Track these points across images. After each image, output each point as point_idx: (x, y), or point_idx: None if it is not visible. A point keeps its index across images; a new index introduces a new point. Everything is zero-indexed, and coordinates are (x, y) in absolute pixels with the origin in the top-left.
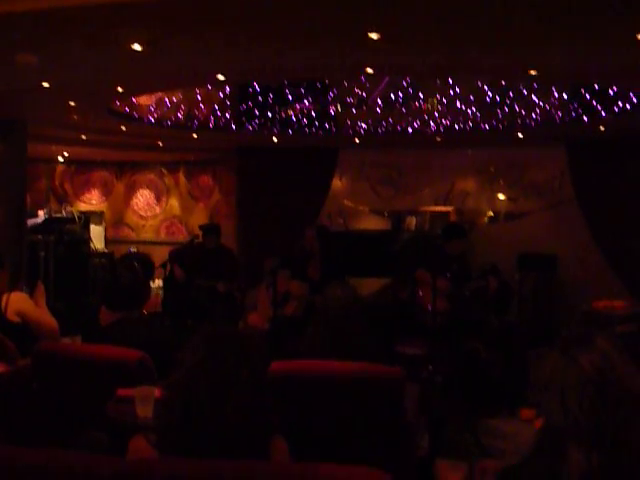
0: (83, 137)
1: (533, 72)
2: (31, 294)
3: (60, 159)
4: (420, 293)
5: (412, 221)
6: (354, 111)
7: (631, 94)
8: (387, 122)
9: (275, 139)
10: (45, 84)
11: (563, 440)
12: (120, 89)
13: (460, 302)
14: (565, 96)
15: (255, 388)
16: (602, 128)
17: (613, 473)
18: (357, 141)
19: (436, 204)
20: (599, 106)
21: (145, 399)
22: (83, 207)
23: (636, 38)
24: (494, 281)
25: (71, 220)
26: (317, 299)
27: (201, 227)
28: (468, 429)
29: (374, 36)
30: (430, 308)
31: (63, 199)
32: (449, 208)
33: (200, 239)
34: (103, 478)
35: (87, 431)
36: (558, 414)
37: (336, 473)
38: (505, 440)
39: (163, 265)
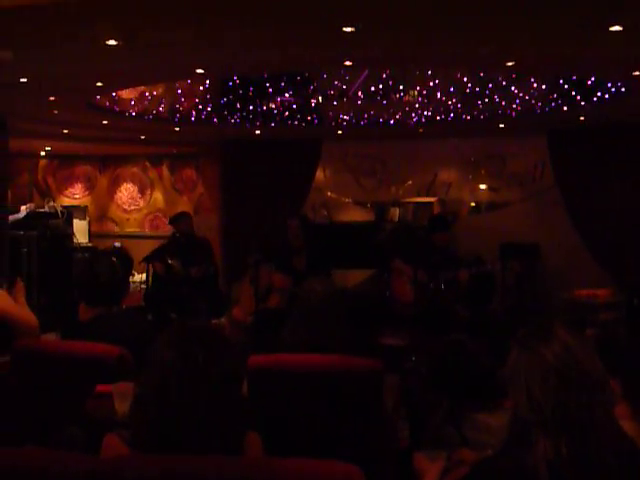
0: (65, 131)
1: (510, 63)
2: (10, 291)
3: (42, 154)
4: (394, 283)
5: (395, 212)
6: (335, 103)
7: (609, 84)
8: (369, 114)
9: (258, 132)
10: (23, 79)
11: (530, 431)
12: (99, 84)
13: (427, 293)
14: (544, 87)
15: (227, 384)
16: (582, 118)
17: (581, 461)
18: (340, 133)
19: (419, 195)
20: (578, 96)
21: (124, 395)
22: (66, 202)
23: (608, 30)
24: (464, 273)
25: (54, 215)
26: (296, 293)
27: (170, 219)
28: (452, 422)
29: (348, 29)
30: (400, 298)
31: (46, 194)
32: (432, 199)
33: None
34: (75, 476)
35: (64, 428)
36: (524, 405)
37: (306, 467)
38: (489, 433)
39: (146, 259)
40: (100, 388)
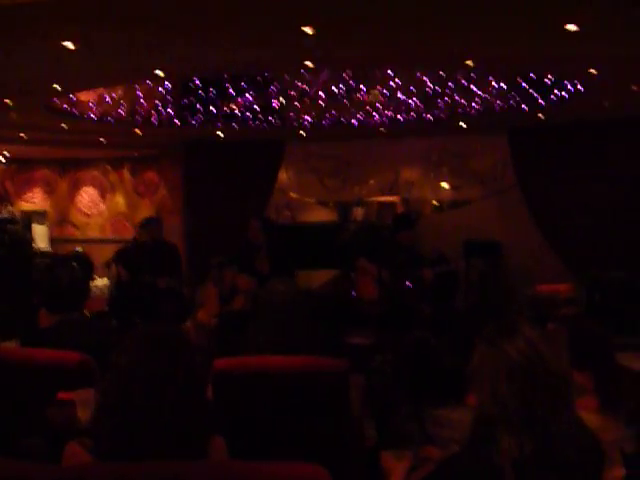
0: (22, 135)
1: (469, 62)
2: None
3: (0, 158)
4: (359, 282)
5: (359, 212)
6: (297, 104)
7: (566, 82)
8: (331, 114)
9: (219, 133)
10: None
11: (495, 428)
12: (57, 86)
13: (391, 292)
14: (504, 85)
15: (191, 388)
16: (541, 116)
17: (544, 458)
18: (302, 133)
19: (382, 194)
20: (537, 95)
21: (86, 402)
22: (25, 207)
23: (565, 28)
24: (429, 272)
25: (12, 220)
26: (259, 294)
27: (141, 222)
28: (413, 418)
29: (308, 30)
30: (365, 297)
31: (4, 199)
32: (395, 198)
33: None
34: None
35: (24, 437)
36: (488, 402)
37: (271, 470)
38: (451, 428)
39: (107, 264)
40: (61, 395)
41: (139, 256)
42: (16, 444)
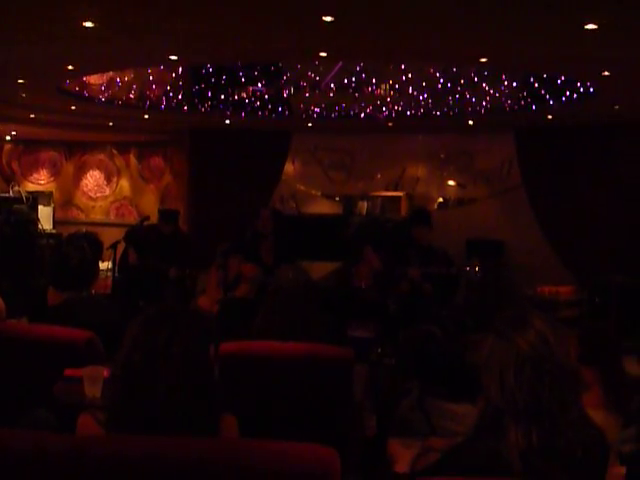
0: (32, 116)
1: (483, 59)
2: None
3: (8, 138)
4: (360, 267)
5: (363, 206)
6: (307, 95)
7: (578, 84)
8: (340, 107)
9: (227, 121)
10: None
11: (502, 419)
12: (70, 67)
13: (383, 284)
14: (515, 84)
15: (189, 368)
16: (550, 116)
17: (551, 450)
18: (310, 125)
19: (387, 189)
20: (547, 95)
21: (93, 379)
22: (31, 187)
23: (584, 28)
24: (416, 271)
25: (18, 200)
26: (269, 281)
27: (160, 212)
28: (419, 408)
29: (328, 19)
30: (363, 285)
31: (10, 179)
32: (400, 193)
33: (150, 221)
34: (51, 455)
35: (33, 411)
36: (497, 393)
37: (285, 449)
38: (456, 422)
39: (112, 246)
40: (69, 372)
41: (153, 242)
42: (23, 417)
